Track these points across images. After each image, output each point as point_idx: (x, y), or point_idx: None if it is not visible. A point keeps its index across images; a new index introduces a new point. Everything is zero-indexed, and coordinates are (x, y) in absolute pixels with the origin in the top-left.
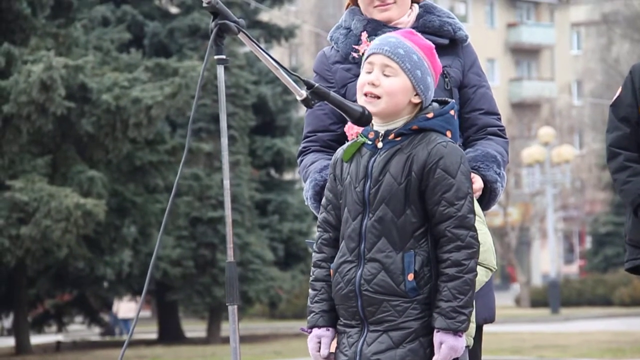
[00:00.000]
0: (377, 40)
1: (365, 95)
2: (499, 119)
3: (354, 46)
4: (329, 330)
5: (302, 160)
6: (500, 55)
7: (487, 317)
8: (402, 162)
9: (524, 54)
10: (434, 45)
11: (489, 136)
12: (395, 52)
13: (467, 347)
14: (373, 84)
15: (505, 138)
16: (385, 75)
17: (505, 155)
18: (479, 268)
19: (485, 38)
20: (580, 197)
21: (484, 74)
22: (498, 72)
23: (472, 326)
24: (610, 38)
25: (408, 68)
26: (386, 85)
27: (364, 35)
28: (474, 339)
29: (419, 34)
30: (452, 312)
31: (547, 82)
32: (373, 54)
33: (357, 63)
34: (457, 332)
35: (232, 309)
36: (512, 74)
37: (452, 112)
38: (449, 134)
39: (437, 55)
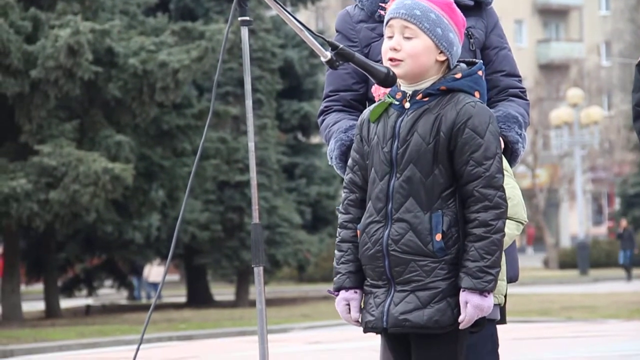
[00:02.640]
0: (394, 4)
1: (390, 60)
2: (520, 81)
3: (380, 4)
4: (356, 292)
5: (323, 120)
6: (528, 17)
7: (512, 276)
8: (430, 122)
9: (552, 15)
10: (452, 0)
11: (511, 98)
12: (411, 13)
13: (498, 305)
14: (395, 49)
15: (527, 100)
16: (405, 38)
17: (527, 116)
18: (509, 222)
19: None
20: (609, 159)
21: (505, 36)
22: (526, 33)
23: (503, 284)
24: None
25: (427, 28)
26: (408, 48)
27: None
28: None
29: None
30: (478, 272)
31: (575, 43)
32: (391, 18)
33: (383, 21)
34: (483, 291)
35: (258, 270)
36: (540, 35)
37: (480, 73)
38: (477, 94)
39: (457, 10)
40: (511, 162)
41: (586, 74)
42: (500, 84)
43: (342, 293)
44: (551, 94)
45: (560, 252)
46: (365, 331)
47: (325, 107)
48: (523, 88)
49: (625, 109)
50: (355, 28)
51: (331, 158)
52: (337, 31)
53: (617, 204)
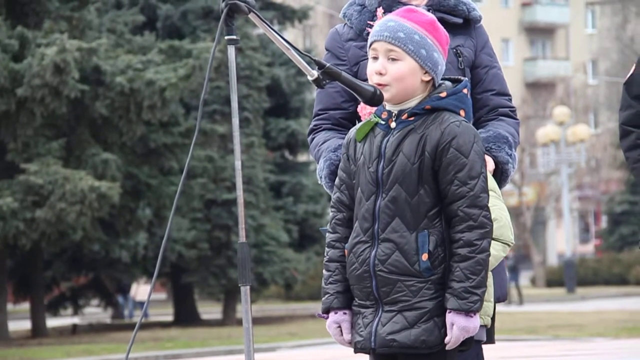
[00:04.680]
0: (377, 26)
1: (377, 84)
2: (510, 100)
3: (369, 22)
4: (345, 313)
5: (313, 139)
6: (514, 35)
7: (500, 296)
8: (415, 142)
9: (539, 34)
10: (435, 18)
11: (500, 117)
12: (395, 36)
13: (484, 326)
14: (380, 73)
15: (516, 119)
16: (390, 60)
17: (517, 136)
18: (495, 243)
19: (499, 17)
20: (596, 176)
21: (495, 54)
22: (512, 51)
23: (490, 305)
24: (625, 16)
25: (411, 50)
26: (393, 71)
27: (380, 11)
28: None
29: (419, 10)
30: (464, 293)
31: (562, 62)
32: (375, 41)
33: None
34: (469, 312)
35: (245, 290)
36: (526, 54)
37: (465, 91)
38: (462, 113)
39: (440, 27)
40: (501, 183)
41: (573, 92)
42: (490, 103)
43: (332, 315)
44: (538, 112)
45: (547, 270)
46: (355, 352)
47: (315, 125)
48: (513, 107)
49: (611, 126)
50: (344, 47)
51: (320, 177)
52: (326, 49)
53: (603, 222)
